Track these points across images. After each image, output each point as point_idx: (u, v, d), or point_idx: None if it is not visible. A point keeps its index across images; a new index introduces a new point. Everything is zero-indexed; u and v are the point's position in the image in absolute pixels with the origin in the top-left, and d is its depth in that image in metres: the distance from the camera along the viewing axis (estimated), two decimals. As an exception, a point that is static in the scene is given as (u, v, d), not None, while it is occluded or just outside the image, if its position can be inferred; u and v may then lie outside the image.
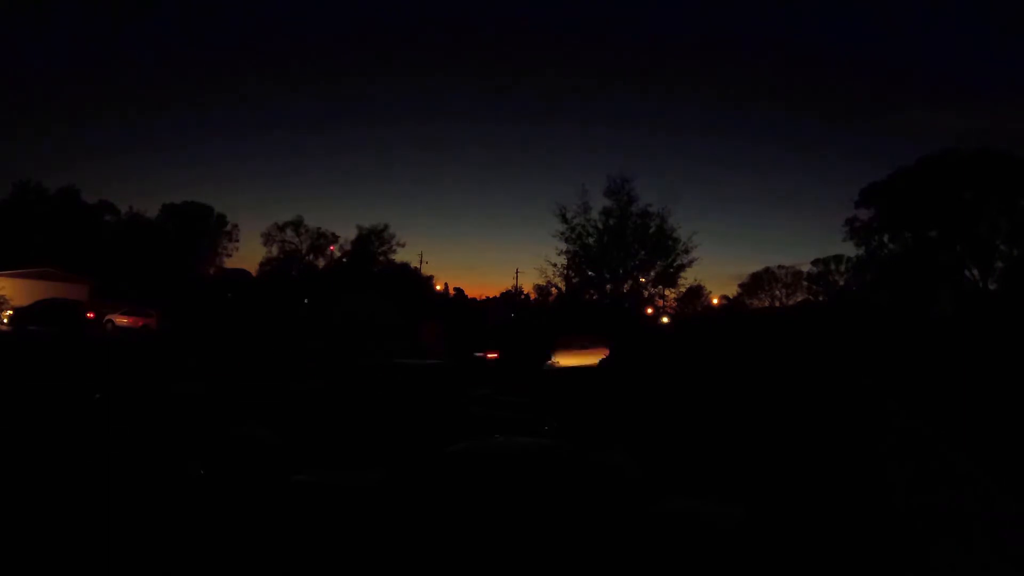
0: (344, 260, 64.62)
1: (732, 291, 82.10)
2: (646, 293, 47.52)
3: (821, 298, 66.45)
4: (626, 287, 46.64)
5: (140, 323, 35.63)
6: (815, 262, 70.33)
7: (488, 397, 11.36)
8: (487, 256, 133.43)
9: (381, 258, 65.13)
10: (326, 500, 5.72)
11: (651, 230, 45.23)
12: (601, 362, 23.71)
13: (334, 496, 5.74)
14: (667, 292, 47.77)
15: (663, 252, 45.19)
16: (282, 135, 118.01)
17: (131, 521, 6.83)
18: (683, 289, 48.52)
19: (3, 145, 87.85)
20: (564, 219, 45.28)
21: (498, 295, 78.45)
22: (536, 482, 4.94)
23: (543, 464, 5.23)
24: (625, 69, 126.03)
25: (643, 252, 45.57)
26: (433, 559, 4.75)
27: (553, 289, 49.78)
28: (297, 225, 66.54)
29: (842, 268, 65.65)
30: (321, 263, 66.89)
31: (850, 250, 51.59)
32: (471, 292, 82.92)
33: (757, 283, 79.54)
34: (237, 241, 65.79)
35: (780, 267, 78.22)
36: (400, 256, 66.58)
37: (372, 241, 64.83)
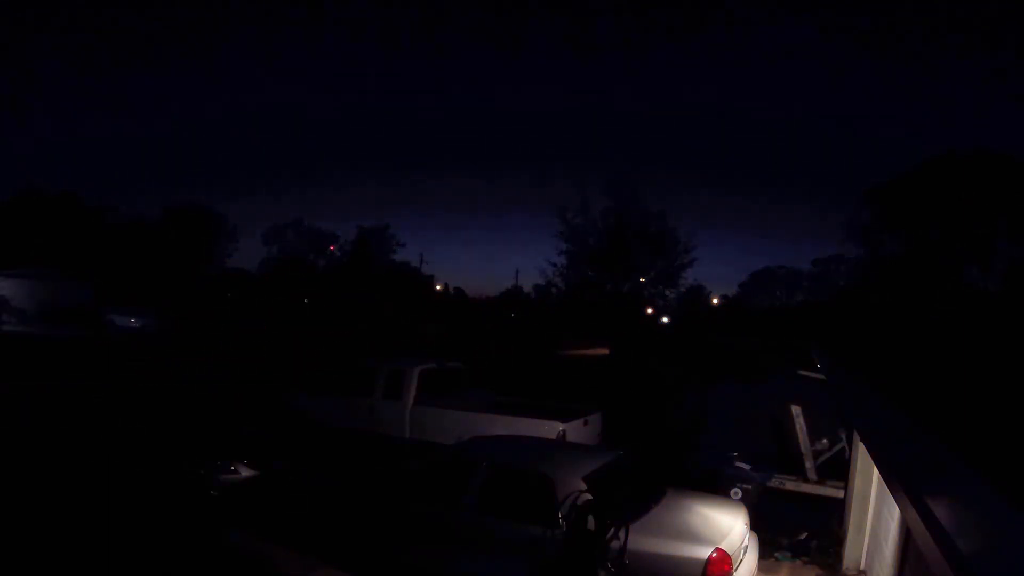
0: (344, 260, 64.61)
1: (732, 291, 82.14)
2: (646, 293, 47.56)
3: (821, 298, 66.43)
4: (626, 287, 46.68)
5: (140, 323, 35.65)
6: (815, 262, 70.41)
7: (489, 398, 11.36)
8: (487, 256, 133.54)
9: (381, 258, 65.14)
10: None
11: (651, 230, 45.28)
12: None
13: None
14: (667, 292, 47.86)
15: (663, 252, 45.24)
16: (282, 135, 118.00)
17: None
18: (683, 289, 48.65)
19: (3, 147, 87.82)
20: (564, 219, 45.33)
21: (498, 295, 78.50)
22: None
23: None
24: (626, 69, 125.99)
25: (643, 252, 45.61)
26: None
27: (553, 289, 49.86)
28: (297, 225, 66.69)
29: (842, 268, 65.65)
30: (321, 263, 66.92)
31: (850, 250, 51.62)
32: (471, 292, 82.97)
33: (757, 283, 79.55)
34: (237, 241, 65.83)
35: (780, 267, 78.28)
36: (400, 256, 66.70)
37: (372, 241, 64.86)
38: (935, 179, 40.39)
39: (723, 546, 5.17)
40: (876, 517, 6.44)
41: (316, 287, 59.41)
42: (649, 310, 49.18)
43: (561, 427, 9.06)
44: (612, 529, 5.13)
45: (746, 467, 8.78)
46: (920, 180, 41.22)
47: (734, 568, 5.26)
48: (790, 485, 9.13)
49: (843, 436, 9.38)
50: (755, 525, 6.36)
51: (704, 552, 5.08)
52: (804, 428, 9.16)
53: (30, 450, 10.00)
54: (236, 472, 8.09)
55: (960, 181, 39.29)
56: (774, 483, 9.03)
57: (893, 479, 3.20)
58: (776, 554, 7.31)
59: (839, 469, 8.93)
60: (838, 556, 7.19)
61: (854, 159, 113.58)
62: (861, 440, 5.79)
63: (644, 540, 5.19)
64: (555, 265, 45.96)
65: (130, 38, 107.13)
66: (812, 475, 9.12)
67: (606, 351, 37.46)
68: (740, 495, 8.21)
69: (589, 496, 5.41)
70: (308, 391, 11.71)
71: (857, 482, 7.11)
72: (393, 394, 10.50)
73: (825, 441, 9.62)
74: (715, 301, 73.72)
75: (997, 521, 2.42)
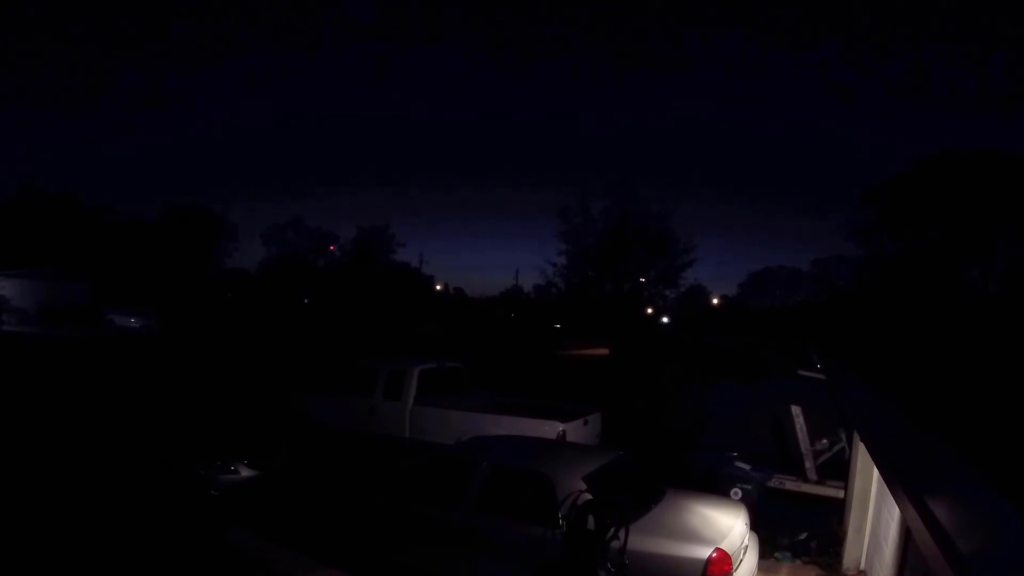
0: (344, 260, 64.58)
1: (732, 291, 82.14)
2: (646, 293, 47.61)
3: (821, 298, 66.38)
4: (626, 287, 46.72)
5: (140, 323, 35.66)
6: (815, 262, 70.33)
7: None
8: (487, 256, 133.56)
9: (381, 258, 65.11)
10: None
11: (651, 230, 45.33)
12: None
13: None
14: (667, 292, 47.92)
15: (663, 252, 45.29)
16: (282, 135, 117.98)
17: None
18: (683, 289, 48.74)
19: (3, 146, 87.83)
20: (565, 219, 45.42)
21: (498, 295, 78.54)
22: None
23: None
24: (627, 69, 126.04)
25: (643, 252, 45.66)
26: None
27: (553, 289, 49.94)
28: (297, 225, 66.69)
29: (842, 268, 65.59)
30: (321, 263, 66.90)
31: (850, 250, 51.67)
32: (471, 292, 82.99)
33: (757, 283, 79.53)
34: (237, 241, 65.77)
35: (780, 267, 78.24)
36: (400, 256, 66.68)
37: (372, 241, 64.84)
38: (935, 178, 40.39)
39: (723, 546, 5.17)
40: (876, 517, 6.45)
41: (316, 287, 59.38)
42: (649, 310, 49.22)
43: (561, 427, 9.07)
44: (612, 529, 5.13)
45: (746, 467, 8.79)
46: (920, 179, 41.23)
47: (734, 568, 5.26)
48: (790, 485, 9.13)
49: (843, 436, 9.39)
50: (755, 525, 6.36)
51: (704, 552, 5.08)
52: (804, 428, 9.16)
53: (30, 451, 10.01)
54: (236, 472, 8.10)
55: (960, 180, 39.30)
56: (774, 483, 9.03)
57: (893, 479, 3.20)
58: (776, 554, 7.32)
59: (839, 469, 8.93)
60: (838, 556, 7.19)
61: (855, 159, 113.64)
62: (861, 440, 5.80)
63: (644, 540, 5.19)
64: (555, 265, 46.09)
65: (131, 38, 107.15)
66: (812, 475, 9.13)
67: (606, 351, 37.45)
68: (740, 495, 8.21)
69: (589, 496, 5.41)
70: (307, 391, 11.71)
71: (857, 482, 7.11)
72: (393, 394, 10.51)
73: (825, 441, 9.63)
74: (715, 301, 73.79)
75: (997, 521, 2.42)
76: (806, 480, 9.11)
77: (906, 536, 4.57)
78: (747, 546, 5.83)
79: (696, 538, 5.27)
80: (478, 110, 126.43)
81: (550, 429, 9.03)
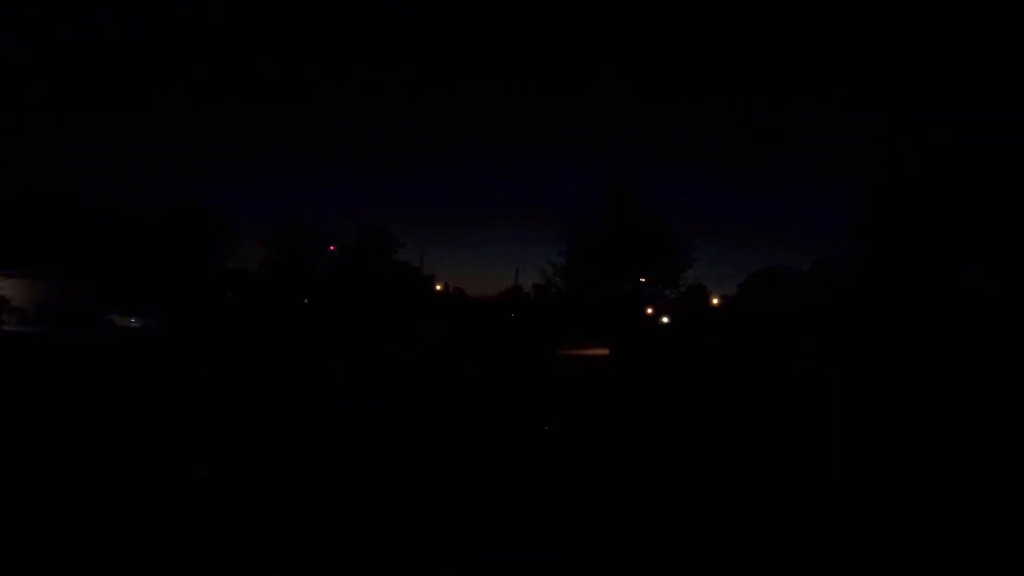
0: (344, 260, 64.58)
1: (732, 291, 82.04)
2: (646, 292, 47.64)
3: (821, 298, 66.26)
4: (626, 287, 46.76)
5: (140, 323, 35.65)
6: (815, 262, 70.14)
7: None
8: (487, 256, 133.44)
9: (381, 258, 65.09)
10: None
11: (651, 230, 45.35)
12: None
13: None
14: (667, 292, 47.95)
15: (663, 252, 45.33)
16: (282, 135, 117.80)
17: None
18: (683, 289, 48.75)
19: (2, 145, 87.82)
20: (565, 219, 45.51)
21: (498, 295, 78.56)
22: None
23: None
24: (626, 69, 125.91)
25: (643, 251, 45.70)
26: None
27: (553, 289, 49.99)
28: (297, 226, 66.58)
29: (842, 268, 65.41)
30: (321, 263, 66.85)
31: (850, 250, 51.56)
32: (471, 292, 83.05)
33: (756, 283, 79.38)
34: (237, 241, 65.67)
35: (780, 267, 78.04)
36: (400, 256, 66.64)
37: (372, 241, 64.81)
38: (936, 177, 40.36)
39: None
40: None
41: (316, 287, 59.40)
42: (649, 310, 49.25)
43: None
44: None
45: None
46: (921, 178, 41.19)
47: None
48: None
49: None
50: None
51: None
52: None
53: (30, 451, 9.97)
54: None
55: (961, 180, 39.26)
56: None
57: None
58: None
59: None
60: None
61: (856, 157, 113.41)
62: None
63: None
64: (555, 265, 46.14)
65: (131, 37, 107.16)
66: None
67: (606, 351, 37.48)
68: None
69: None
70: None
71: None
72: None
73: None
74: (715, 301, 73.69)
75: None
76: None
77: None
78: None
79: None
80: (479, 109, 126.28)
81: None
